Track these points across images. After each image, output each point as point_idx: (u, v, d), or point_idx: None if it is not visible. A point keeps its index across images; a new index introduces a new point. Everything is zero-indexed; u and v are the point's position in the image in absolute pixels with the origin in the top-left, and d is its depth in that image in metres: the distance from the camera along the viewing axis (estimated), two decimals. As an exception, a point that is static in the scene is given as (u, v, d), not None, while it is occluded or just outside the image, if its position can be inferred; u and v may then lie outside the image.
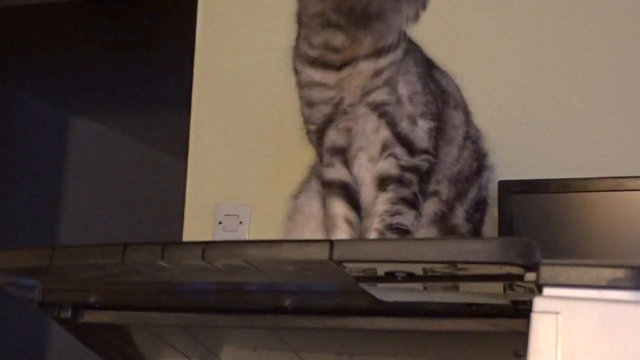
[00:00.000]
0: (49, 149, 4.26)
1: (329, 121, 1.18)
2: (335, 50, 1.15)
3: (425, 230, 1.20)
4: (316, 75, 1.17)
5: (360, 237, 1.15)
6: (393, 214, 1.14)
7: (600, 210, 1.58)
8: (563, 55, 1.85)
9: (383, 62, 1.15)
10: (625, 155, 1.76)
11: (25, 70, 3.75)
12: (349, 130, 1.17)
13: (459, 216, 1.24)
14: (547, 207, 1.62)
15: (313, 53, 1.16)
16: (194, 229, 2.09)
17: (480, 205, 1.29)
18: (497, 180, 1.63)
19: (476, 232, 1.27)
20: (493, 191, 1.58)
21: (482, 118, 1.83)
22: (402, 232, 1.14)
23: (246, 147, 2.04)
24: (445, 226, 1.22)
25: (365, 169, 1.18)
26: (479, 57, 1.89)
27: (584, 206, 1.59)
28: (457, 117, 1.26)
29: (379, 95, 1.15)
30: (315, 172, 1.25)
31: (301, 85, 1.20)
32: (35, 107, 4.13)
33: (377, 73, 1.15)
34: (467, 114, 1.29)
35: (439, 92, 1.23)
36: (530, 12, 1.90)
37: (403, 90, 1.16)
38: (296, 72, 1.21)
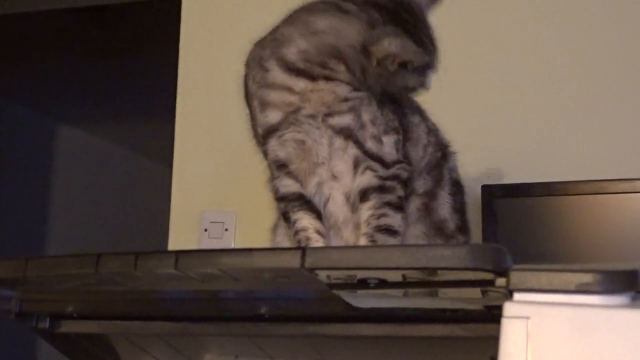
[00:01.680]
0: (36, 157, 4.25)
1: (273, 130, 1.17)
2: (326, 68, 1.15)
3: (411, 229, 1.20)
4: (287, 79, 1.16)
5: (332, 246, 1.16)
6: (379, 217, 1.14)
7: (583, 213, 1.59)
8: (545, 61, 1.86)
9: (354, 94, 1.16)
10: (607, 158, 1.77)
11: (11, 79, 3.75)
12: (302, 143, 1.16)
13: (444, 205, 1.24)
14: (530, 211, 1.63)
15: (301, 64, 1.15)
16: (180, 236, 2.09)
17: (458, 188, 1.29)
18: (480, 185, 1.65)
19: (463, 221, 1.28)
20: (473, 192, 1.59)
21: (465, 123, 1.84)
22: (391, 232, 1.14)
23: (231, 154, 2.04)
24: (432, 221, 1.22)
25: (330, 187, 1.17)
26: (464, 64, 1.89)
27: (567, 209, 1.60)
28: (415, 118, 1.27)
29: (344, 120, 1.15)
30: (270, 187, 1.24)
31: (262, 84, 1.18)
32: (21, 115, 4.13)
33: (345, 100, 1.15)
34: (421, 113, 1.29)
35: (397, 107, 1.23)
36: (514, 20, 1.91)
37: (366, 117, 1.16)
38: (262, 68, 1.18)
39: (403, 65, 1.13)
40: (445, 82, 1.83)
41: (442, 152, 1.28)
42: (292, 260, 0.76)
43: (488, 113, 1.87)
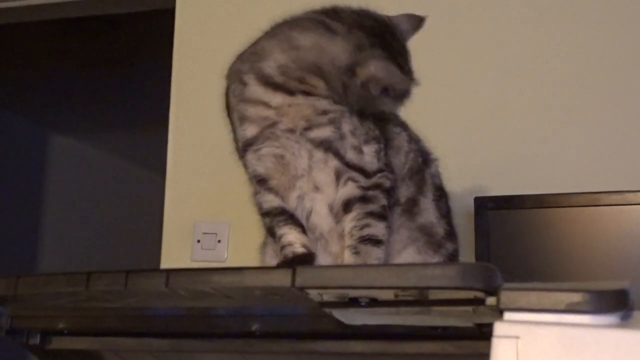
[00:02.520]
0: (29, 167, 4.25)
1: (249, 144, 1.18)
2: (304, 83, 1.15)
3: (395, 235, 1.20)
4: (263, 94, 1.16)
5: (322, 264, 1.16)
6: (362, 227, 1.15)
7: (575, 225, 1.60)
8: (535, 73, 1.87)
9: (334, 107, 1.16)
10: (600, 171, 1.78)
11: (4, 88, 3.75)
12: (280, 157, 1.17)
13: (429, 209, 1.25)
14: (522, 223, 1.64)
15: (279, 79, 1.16)
16: (173, 247, 2.09)
17: (441, 193, 1.29)
18: (472, 197, 1.66)
19: (450, 226, 1.28)
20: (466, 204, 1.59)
21: (457, 136, 1.84)
22: (375, 242, 1.14)
23: (224, 165, 2.03)
24: (416, 225, 1.23)
25: (311, 198, 1.17)
26: (455, 76, 1.90)
27: (560, 221, 1.61)
28: (396, 128, 1.27)
29: (323, 133, 1.16)
30: (254, 201, 1.25)
31: (240, 98, 1.18)
32: (14, 124, 4.12)
33: (324, 112, 1.16)
34: (402, 124, 1.30)
35: (377, 120, 1.24)
36: (505, 32, 1.92)
37: (346, 128, 1.17)
38: (240, 82, 1.18)
39: (385, 89, 1.14)
40: (436, 95, 1.85)
41: (424, 159, 1.29)
42: (283, 280, 0.76)
43: (480, 125, 1.87)
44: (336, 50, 1.14)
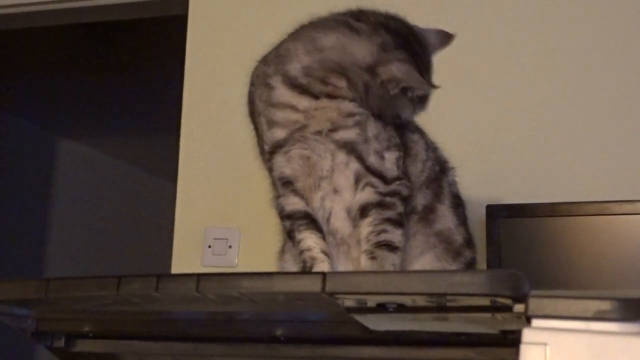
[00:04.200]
0: (38, 171, 4.25)
1: (279, 146, 1.19)
2: (328, 84, 1.16)
3: (411, 242, 1.21)
4: (291, 97, 1.17)
5: (352, 270, 1.16)
6: (379, 233, 1.16)
7: (586, 234, 1.60)
8: (547, 82, 1.88)
9: (359, 109, 1.17)
10: (611, 180, 1.79)
11: (13, 93, 3.75)
12: (307, 159, 1.18)
13: (446, 217, 1.25)
14: (534, 231, 1.64)
15: (303, 80, 1.17)
16: (184, 252, 2.09)
17: (458, 201, 1.30)
18: (484, 205, 1.66)
19: (469, 233, 1.29)
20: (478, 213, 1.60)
21: (470, 144, 1.85)
22: (392, 248, 1.15)
23: (235, 171, 2.05)
24: (432, 231, 1.24)
25: (331, 200, 1.18)
26: (468, 86, 1.91)
27: (571, 230, 1.61)
28: (415, 135, 1.28)
29: (349, 134, 1.17)
30: (274, 205, 1.25)
31: (268, 103, 1.19)
32: (23, 129, 4.13)
33: (350, 115, 1.17)
34: (420, 131, 1.31)
35: (397, 127, 1.25)
36: (514, 44, 1.92)
37: (371, 132, 1.18)
38: (267, 86, 1.20)
39: (404, 90, 1.15)
40: (450, 104, 1.85)
41: (441, 167, 1.30)
42: (313, 285, 0.77)
43: (493, 134, 1.88)
44: (359, 49, 1.15)
